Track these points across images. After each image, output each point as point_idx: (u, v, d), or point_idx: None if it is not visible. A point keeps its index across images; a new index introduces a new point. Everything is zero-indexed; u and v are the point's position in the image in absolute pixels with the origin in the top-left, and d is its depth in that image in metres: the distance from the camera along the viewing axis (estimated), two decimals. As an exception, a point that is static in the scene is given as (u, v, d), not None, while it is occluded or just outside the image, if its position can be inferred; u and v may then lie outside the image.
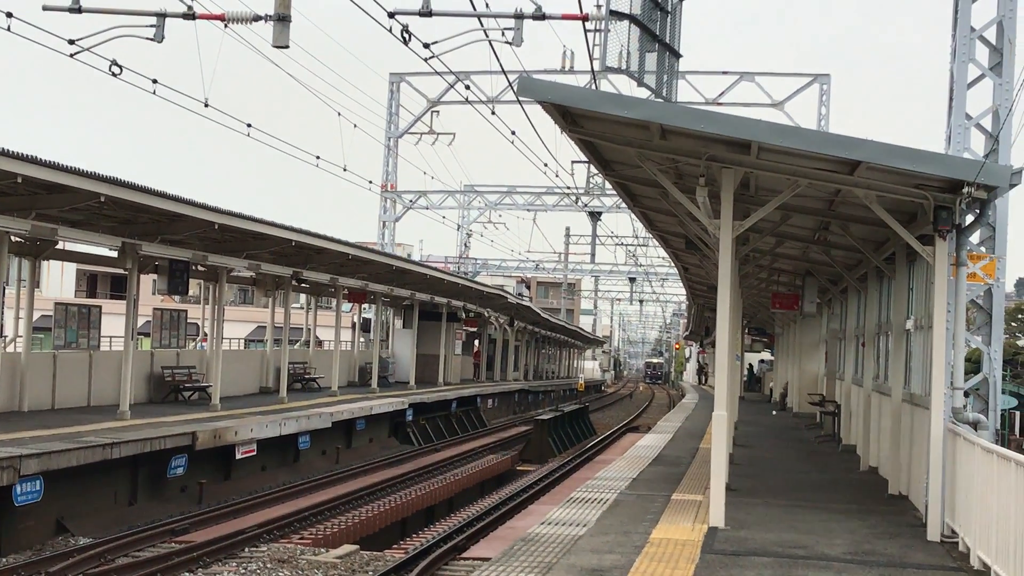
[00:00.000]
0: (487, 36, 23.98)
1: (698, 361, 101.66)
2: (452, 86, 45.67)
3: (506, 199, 60.87)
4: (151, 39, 23.77)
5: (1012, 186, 13.41)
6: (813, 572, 11.76)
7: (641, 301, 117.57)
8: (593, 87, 25.91)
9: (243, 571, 16.46)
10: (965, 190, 13.27)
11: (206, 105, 26.62)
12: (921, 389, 16.81)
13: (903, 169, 13.26)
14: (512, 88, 18.43)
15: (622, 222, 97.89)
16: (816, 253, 24.22)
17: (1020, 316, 78.60)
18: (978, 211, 14.13)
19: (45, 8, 24.65)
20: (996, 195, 13.97)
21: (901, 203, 15.37)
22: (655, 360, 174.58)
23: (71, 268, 75.07)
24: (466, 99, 37.42)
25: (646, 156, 15.54)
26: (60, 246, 25.38)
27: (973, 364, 16.70)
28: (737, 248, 18.91)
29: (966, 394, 15.03)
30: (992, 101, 15.81)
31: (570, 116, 15.06)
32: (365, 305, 47.83)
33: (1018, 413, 44.23)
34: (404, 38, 21.83)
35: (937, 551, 13.37)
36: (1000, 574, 11.14)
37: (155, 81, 24.60)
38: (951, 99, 15.89)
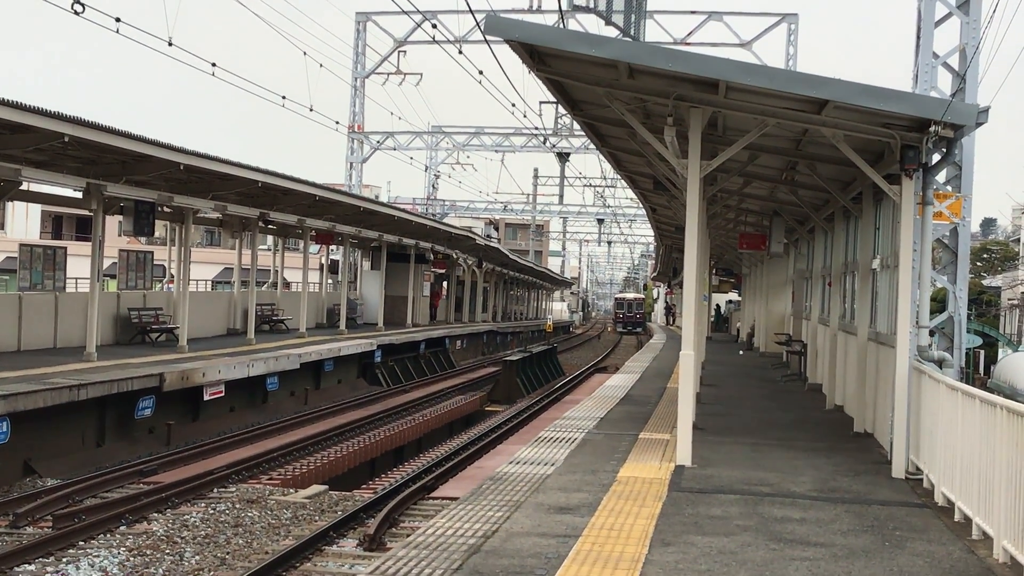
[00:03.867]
0: (454, -26, 23.79)
1: (666, 301, 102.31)
2: (419, 25, 45.31)
3: (474, 140, 60.75)
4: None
5: (978, 125, 13.44)
6: (779, 509, 11.85)
7: (609, 242, 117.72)
8: (561, 26, 25.77)
9: (212, 512, 16.48)
10: (932, 129, 13.28)
11: (170, 44, 26.37)
12: (887, 328, 16.89)
13: (870, 108, 13.25)
14: (479, 27, 18.28)
15: (590, 163, 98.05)
16: (783, 193, 24.25)
17: (985, 255, 79.18)
18: (944, 150, 14.17)
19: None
20: (963, 134, 14.00)
21: (868, 142, 15.38)
22: (630, 295, 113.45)
23: (36, 209, 74.51)
24: (433, 38, 37.18)
25: (614, 96, 15.48)
26: (24, 187, 25.14)
27: (938, 303, 16.82)
28: (705, 188, 18.94)
29: (931, 333, 15.12)
30: (959, 39, 15.80)
31: (537, 55, 14.97)
32: (333, 247, 47.68)
33: (983, 352, 44.70)
34: (370, -24, 21.61)
35: (902, 488, 13.49)
36: (963, 510, 11.25)
37: (118, 19, 24.33)
38: (918, 37, 15.88)
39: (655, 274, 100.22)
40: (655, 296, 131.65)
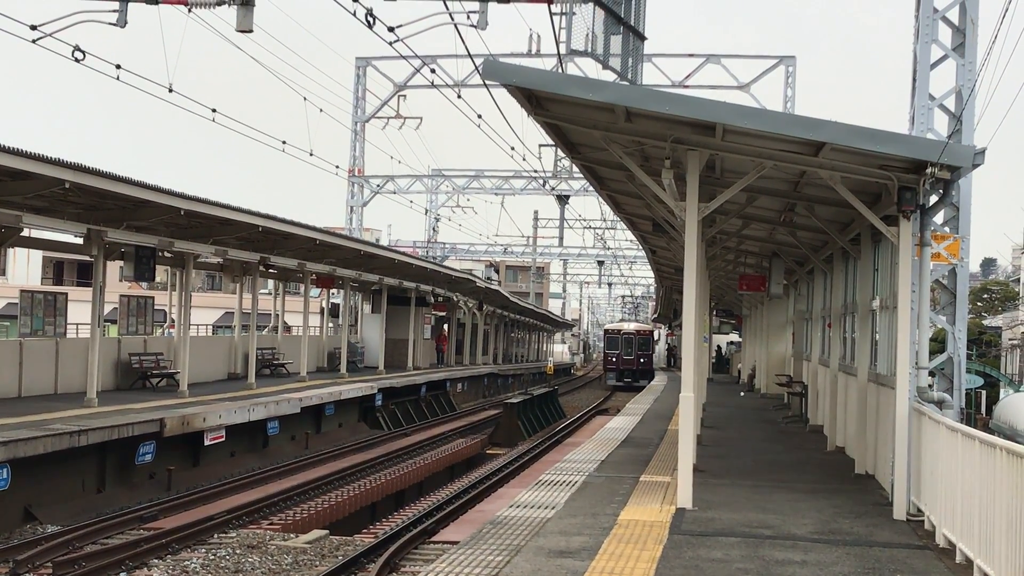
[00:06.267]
0: (452, 19, 23.95)
1: (667, 343, 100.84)
2: (418, 70, 45.55)
3: (474, 183, 60.88)
4: (114, 24, 23.62)
5: (975, 166, 13.50)
6: (780, 551, 11.82)
7: (610, 284, 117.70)
8: (560, 70, 25.92)
9: (212, 557, 16.43)
10: (929, 170, 13.35)
11: (170, 90, 26.49)
12: (887, 369, 16.90)
13: (867, 150, 13.32)
14: (478, 72, 18.47)
15: (590, 205, 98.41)
16: (782, 235, 24.31)
17: (985, 296, 79.22)
18: (942, 191, 14.23)
19: (7, -7, 24.41)
20: (959, 175, 14.05)
21: (866, 184, 15.44)
22: (630, 327, 78.78)
23: (37, 255, 74.62)
24: (432, 83, 37.37)
25: (612, 139, 15.55)
26: (25, 233, 25.21)
27: (938, 344, 16.81)
28: (703, 230, 19.00)
29: (931, 374, 15.13)
30: (955, 81, 15.87)
31: (536, 99, 15.06)
32: (333, 290, 47.71)
33: (984, 392, 44.60)
34: (369, 22, 21.75)
35: (903, 529, 13.46)
36: (965, 552, 11.23)
37: (119, 67, 24.46)
38: (914, 80, 15.95)
39: (656, 315, 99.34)
40: (656, 338, 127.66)
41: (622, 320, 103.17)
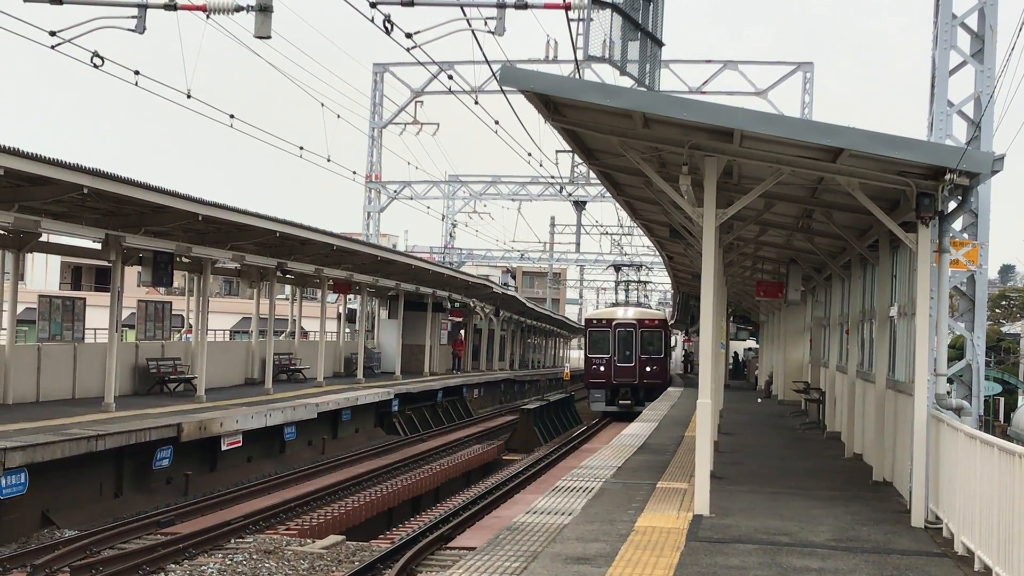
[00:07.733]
0: (470, 25, 23.97)
1: (684, 349, 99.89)
2: (435, 76, 45.56)
3: (491, 189, 60.87)
4: (132, 30, 23.66)
5: (994, 172, 13.44)
6: (798, 559, 11.79)
7: (626, 289, 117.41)
8: (577, 76, 25.91)
9: (229, 562, 16.46)
10: (947, 177, 13.29)
11: (188, 96, 26.57)
12: (905, 376, 16.84)
13: (885, 156, 13.28)
14: (495, 77, 18.54)
15: (607, 211, 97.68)
16: (800, 241, 24.24)
17: (1003, 302, 78.87)
18: (960, 198, 14.17)
19: (27, 0, 24.48)
20: (978, 182, 14.00)
21: (884, 190, 15.40)
22: (627, 315, 48.67)
23: (55, 260, 74.80)
24: (449, 89, 37.40)
25: (629, 145, 15.53)
26: (44, 238, 25.30)
27: (956, 351, 16.76)
28: (721, 236, 18.95)
29: (950, 380, 15.08)
30: (974, 88, 15.84)
31: (553, 105, 15.04)
32: (350, 296, 47.76)
33: (1002, 399, 44.42)
34: (386, 28, 21.78)
35: (921, 537, 13.40)
36: (984, 559, 11.18)
37: (137, 72, 24.55)
38: (933, 86, 15.92)
39: (672, 321, 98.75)
40: (672, 344, 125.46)
41: (615, 305, 67.72)
